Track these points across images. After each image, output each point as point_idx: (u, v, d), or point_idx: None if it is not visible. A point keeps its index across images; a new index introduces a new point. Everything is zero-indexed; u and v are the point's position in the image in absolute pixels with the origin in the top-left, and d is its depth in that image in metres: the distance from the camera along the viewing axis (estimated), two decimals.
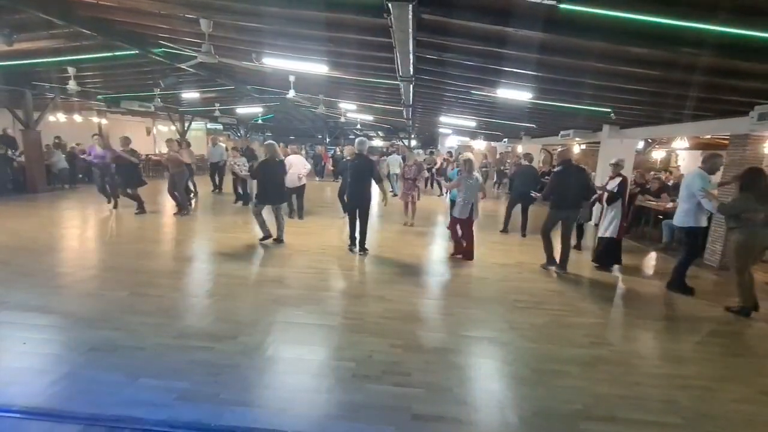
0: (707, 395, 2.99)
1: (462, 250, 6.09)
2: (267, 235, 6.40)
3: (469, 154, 6.10)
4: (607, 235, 5.81)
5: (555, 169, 5.98)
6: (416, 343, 3.49)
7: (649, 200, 8.41)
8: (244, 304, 4.17)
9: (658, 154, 15.40)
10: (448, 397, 2.77)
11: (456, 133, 19.11)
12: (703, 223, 5.01)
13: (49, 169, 11.92)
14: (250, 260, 5.78)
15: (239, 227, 7.75)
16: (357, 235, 6.10)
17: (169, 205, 9.08)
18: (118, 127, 17.09)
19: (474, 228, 6.10)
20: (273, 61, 6.36)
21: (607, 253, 5.90)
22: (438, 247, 6.93)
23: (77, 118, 14.58)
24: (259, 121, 20.63)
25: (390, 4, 3.16)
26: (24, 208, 8.80)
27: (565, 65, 4.90)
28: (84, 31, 5.46)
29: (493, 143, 20.47)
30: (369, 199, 6.07)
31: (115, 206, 8.62)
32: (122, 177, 8.27)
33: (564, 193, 5.55)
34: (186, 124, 16.80)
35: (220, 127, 23.24)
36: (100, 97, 11.89)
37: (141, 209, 8.35)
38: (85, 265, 5.19)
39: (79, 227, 7.42)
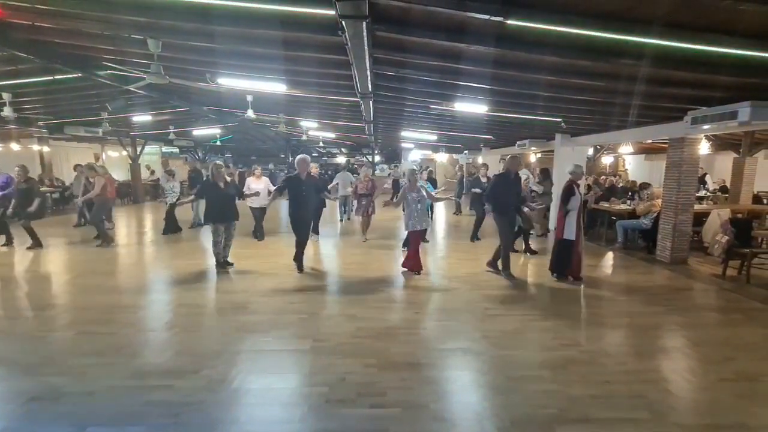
0: (671, 387, 3.10)
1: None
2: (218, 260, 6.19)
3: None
4: None
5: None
6: (390, 361, 3.41)
7: (604, 204, 8.85)
8: (207, 335, 3.93)
9: (607, 160, 16.35)
10: (425, 415, 2.70)
11: (418, 147, 19.47)
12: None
13: None
14: (211, 287, 5.49)
15: (197, 253, 7.39)
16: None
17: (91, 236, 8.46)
18: (62, 155, 16.07)
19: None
20: (229, 81, 6.21)
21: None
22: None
23: (14, 146, 13.53)
24: (218, 143, 20.06)
25: (344, 22, 3.17)
26: None
27: (517, 78, 5.11)
28: (20, 54, 5.10)
29: (454, 155, 21.00)
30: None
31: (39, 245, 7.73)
32: (23, 207, 7.47)
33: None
34: (138, 149, 16.03)
35: (176, 150, 22.38)
36: (41, 123, 11.13)
37: (36, 244, 7.62)
38: (22, 305, 4.73)
39: (12, 264, 6.79)
